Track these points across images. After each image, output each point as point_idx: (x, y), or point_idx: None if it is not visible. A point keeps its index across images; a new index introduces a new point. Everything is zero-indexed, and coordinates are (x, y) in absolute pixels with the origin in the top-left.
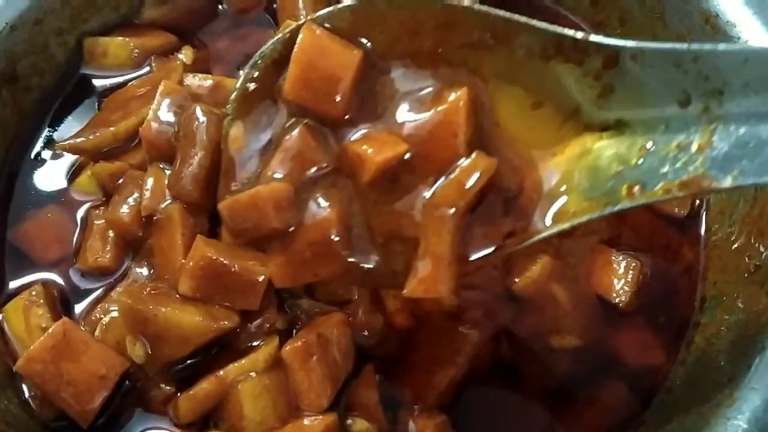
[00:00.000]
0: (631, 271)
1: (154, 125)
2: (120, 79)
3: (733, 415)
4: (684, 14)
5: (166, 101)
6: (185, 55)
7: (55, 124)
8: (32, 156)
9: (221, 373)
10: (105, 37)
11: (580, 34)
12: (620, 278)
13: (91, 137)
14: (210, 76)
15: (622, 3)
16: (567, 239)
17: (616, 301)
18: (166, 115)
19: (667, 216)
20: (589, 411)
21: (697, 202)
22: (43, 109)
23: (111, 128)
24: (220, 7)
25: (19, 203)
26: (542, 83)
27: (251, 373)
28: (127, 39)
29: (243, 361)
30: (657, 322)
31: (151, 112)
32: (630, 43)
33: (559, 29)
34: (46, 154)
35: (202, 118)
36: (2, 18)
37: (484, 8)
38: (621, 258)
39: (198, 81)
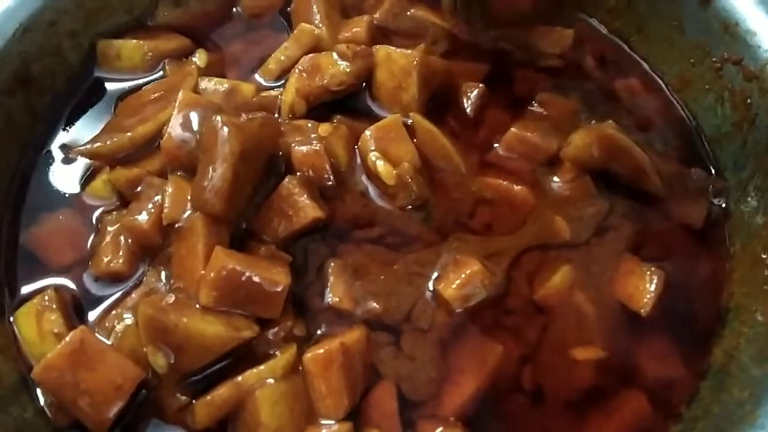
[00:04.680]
0: (654, 280)
1: (175, 137)
2: (134, 82)
3: None
4: (703, 22)
5: (186, 112)
6: (199, 58)
7: (68, 127)
8: (45, 159)
9: (239, 379)
10: (119, 40)
11: None
12: (644, 287)
13: (108, 143)
14: (225, 80)
15: (639, 10)
16: (593, 247)
17: (640, 310)
18: (187, 126)
19: (686, 225)
20: (609, 423)
21: (715, 214)
22: (56, 111)
23: (128, 134)
24: (234, 10)
25: (31, 207)
26: None
27: (269, 380)
28: (141, 42)
29: (261, 368)
30: (677, 333)
31: (171, 124)
32: None
33: None
34: (60, 157)
35: (224, 130)
36: (15, 19)
37: None
38: (645, 267)
39: (213, 85)
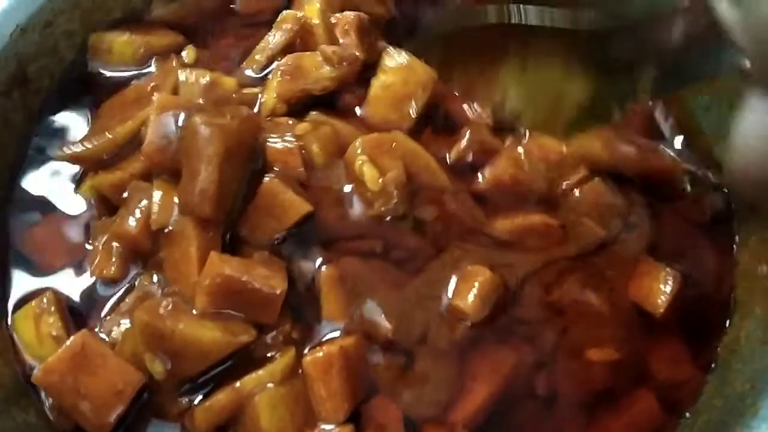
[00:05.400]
0: (670, 282)
1: (155, 142)
2: (128, 74)
3: (757, 424)
4: None
5: (164, 115)
6: (187, 55)
7: (64, 127)
8: (40, 161)
9: (238, 384)
10: (111, 33)
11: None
12: (659, 288)
13: (88, 146)
14: (207, 72)
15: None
16: (610, 248)
17: (654, 311)
18: (166, 130)
19: (694, 223)
20: (617, 423)
21: (719, 210)
22: (52, 112)
23: (109, 135)
24: (232, 6)
25: (26, 209)
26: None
27: (268, 384)
28: (133, 37)
29: (260, 372)
30: (687, 333)
31: (149, 130)
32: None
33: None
34: (55, 158)
35: (204, 131)
36: (12, 20)
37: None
38: (660, 268)
39: (194, 78)
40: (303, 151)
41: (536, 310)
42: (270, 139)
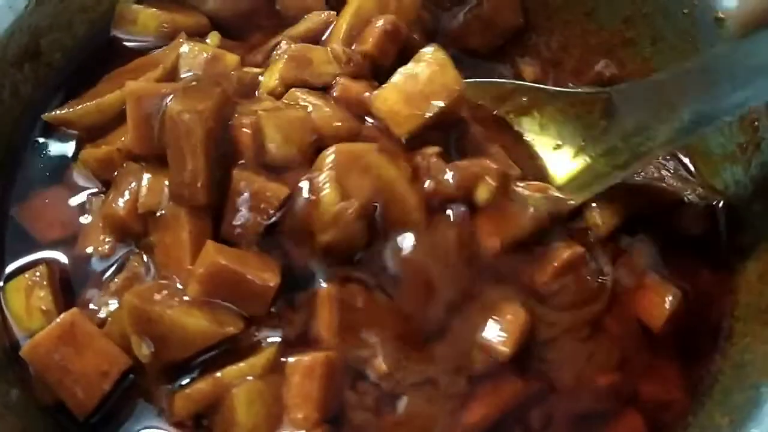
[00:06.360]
0: (670, 298)
1: (136, 134)
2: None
3: None
4: (716, 42)
5: (142, 107)
6: (211, 39)
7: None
8: (44, 133)
9: (218, 375)
10: (138, 5)
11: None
12: (661, 304)
13: (73, 109)
14: (209, 47)
15: (655, 22)
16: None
17: (654, 326)
18: (146, 119)
19: (696, 244)
20: None
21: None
22: (63, 85)
23: (93, 102)
24: (276, 6)
25: (26, 180)
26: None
27: (248, 377)
28: (159, 12)
29: (241, 365)
30: (680, 354)
31: (129, 122)
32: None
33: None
34: (58, 132)
35: (183, 120)
36: None
37: (526, 84)
38: (664, 283)
39: (196, 51)
40: (256, 131)
41: (562, 354)
42: (237, 113)
